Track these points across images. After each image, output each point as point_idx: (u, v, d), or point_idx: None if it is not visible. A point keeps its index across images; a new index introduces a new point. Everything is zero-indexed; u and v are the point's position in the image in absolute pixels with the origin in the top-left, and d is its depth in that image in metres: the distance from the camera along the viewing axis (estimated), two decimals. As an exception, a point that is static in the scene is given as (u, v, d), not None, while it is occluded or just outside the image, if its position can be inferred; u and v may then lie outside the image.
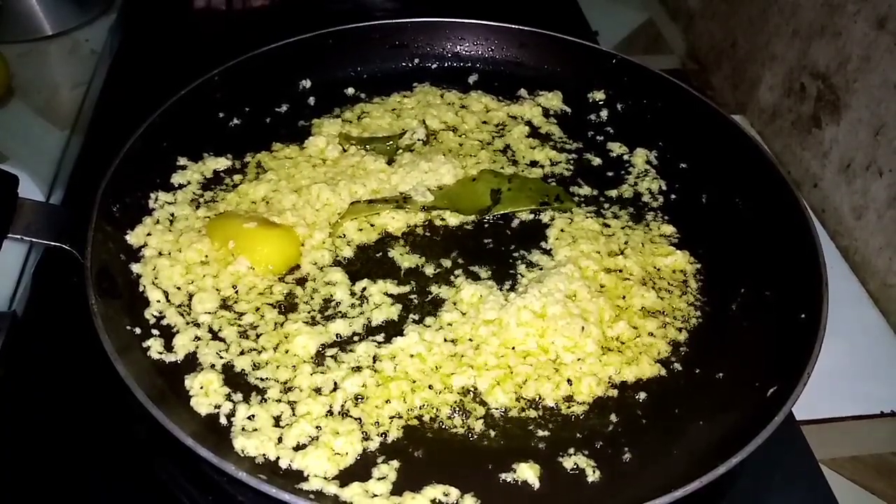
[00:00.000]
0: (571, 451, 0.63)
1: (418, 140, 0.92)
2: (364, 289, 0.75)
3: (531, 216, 0.84)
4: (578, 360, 0.69)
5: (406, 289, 0.75)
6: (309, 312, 0.72)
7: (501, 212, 0.84)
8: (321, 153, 0.89)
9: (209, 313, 0.71)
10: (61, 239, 0.71)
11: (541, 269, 0.78)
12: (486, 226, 0.83)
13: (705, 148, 0.91)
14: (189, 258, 0.75)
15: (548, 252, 0.80)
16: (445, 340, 0.70)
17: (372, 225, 0.82)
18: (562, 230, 0.82)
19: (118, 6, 1.28)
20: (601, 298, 0.74)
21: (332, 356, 0.68)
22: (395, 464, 0.61)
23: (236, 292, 0.73)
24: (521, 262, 0.79)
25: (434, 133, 0.94)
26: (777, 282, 0.75)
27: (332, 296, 0.74)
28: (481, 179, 0.87)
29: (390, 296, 0.74)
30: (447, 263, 0.78)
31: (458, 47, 1.05)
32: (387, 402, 0.65)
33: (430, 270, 0.77)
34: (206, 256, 0.75)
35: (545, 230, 0.83)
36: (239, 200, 0.82)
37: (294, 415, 0.63)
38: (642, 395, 0.67)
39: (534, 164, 0.91)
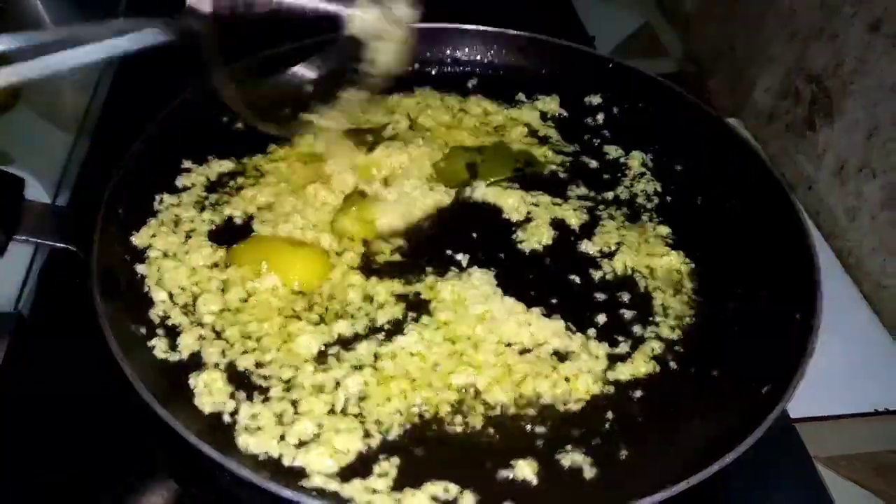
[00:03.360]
0: (569, 448, 0.63)
1: (402, 129, 0.94)
2: (369, 288, 0.75)
3: (526, 212, 0.85)
4: (574, 357, 0.70)
5: (406, 288, 0.76)
6: (317, 312, 0.73)
7: (483, 183, 0.86)
8: (310, 149, 0.90)
9: (213, 314, 0.72)
10: (67, 240, 0.72)
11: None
12: (483, 222, 0.84)
13: (700, 150, 0.92)
14: (194, 261, 0.76)
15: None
16: (445, 339, 0.71)
17: (371, 223, 0.82)
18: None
19: (122, 9, 1.29)
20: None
21: (333, 355, 0.69)
22: (396, 461, 0.61)
23: (245, 303, 0.73)
24: (515, 255, 0.80)
25: (413, 120, 0.96)
26: (772, 282, 0.76)
27: (345, 297, 0.74)
28: (451, 156, 0.89)
29: (392, 295, 0.75)
30: (444, 259, 0.79)
31: (458, 52, 1.06)
32: (387, 400, 0.65)
33: (428, 268, 0.78)
34: (215, 264, 0.76)
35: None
36: (245, 205, 0.83)
37: (296, 413, 0.64)
38: (638, 394, 0.68)
39: (531, 165, 0.92)
